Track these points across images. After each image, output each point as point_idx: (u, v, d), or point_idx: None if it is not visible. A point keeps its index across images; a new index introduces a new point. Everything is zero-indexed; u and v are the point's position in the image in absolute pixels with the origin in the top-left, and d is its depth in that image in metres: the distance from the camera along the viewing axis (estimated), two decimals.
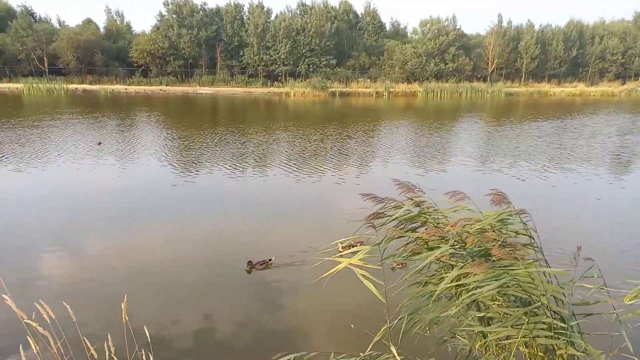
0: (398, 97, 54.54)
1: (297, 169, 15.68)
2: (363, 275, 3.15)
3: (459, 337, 3.55)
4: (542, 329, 2.99)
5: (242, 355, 5.71)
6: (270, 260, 8.06)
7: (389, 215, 3.50)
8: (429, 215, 3.49)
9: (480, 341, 3.41)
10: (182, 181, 13.88)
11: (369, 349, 3.29)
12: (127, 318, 3.46)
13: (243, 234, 9.73)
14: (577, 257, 3.16)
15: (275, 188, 13.36)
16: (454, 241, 3.31)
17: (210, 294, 7.20)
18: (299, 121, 29.68)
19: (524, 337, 3.08)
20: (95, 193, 12.50)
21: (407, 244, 3.41)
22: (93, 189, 12.96)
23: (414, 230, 3.53)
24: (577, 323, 3.20)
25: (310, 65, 61.49)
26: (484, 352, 3.42)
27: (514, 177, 14.77)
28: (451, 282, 3.09)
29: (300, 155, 17.93)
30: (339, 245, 8.29)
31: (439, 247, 3.20)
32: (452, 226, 3.22)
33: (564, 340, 2.95)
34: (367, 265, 3.18)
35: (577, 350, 3.00)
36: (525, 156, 18.23)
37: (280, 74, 62.65)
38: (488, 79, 65.49)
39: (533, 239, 3.44)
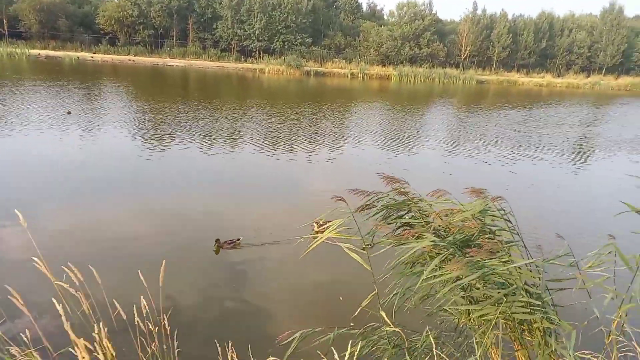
0: (373, 79, 54.68)
1: (272, 147, 15.65)
2: (348, 248, 3.30)
3: (448, 310, 3.76)
4: (520, 306, 3.24)
5: (232, 334, 5.78)
6: (238, 239, 7.88)
7: (374, 205, 3.64)
8: (414, 204, 3.67)
9: (465, 317, 3.64)
10: (152, 155, 13.60)
11: (356, 313, 3.48)
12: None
13: (213, 211, 9.65)
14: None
15: (250, 166, 13.32)
16: (437, 231, 3.50)
17: (175, 271, 7.11)
18: (274, 99, 29.42)
19: (502, 313, 3.32)
20: (60, 165, 12.12)
21: (394, 230, 3.57)
22: (58, 160, 12.54)
23: (399, 217, 3.70)
24: (552, 298, 3.46)
25: (286, 43, 60.57)
26: (468, 326, 3.66)
27: (482, 162, 15.26)
28: (433, 270, 3.29)
29: (275, 134, 17.86)
30: (315, 225, 8.52)
31: (423, 237, 3.36)
32: (436, 215, 3.41)
33: (539, 315, 3.21)
34: (348, 237, 3.34)
35: (552, 323, 3.26)
36: (492, 142, 18.81)
37: (254, 50, 61.46)
38: (460, 65, 66.43)
39: (511, 223, 3.66)
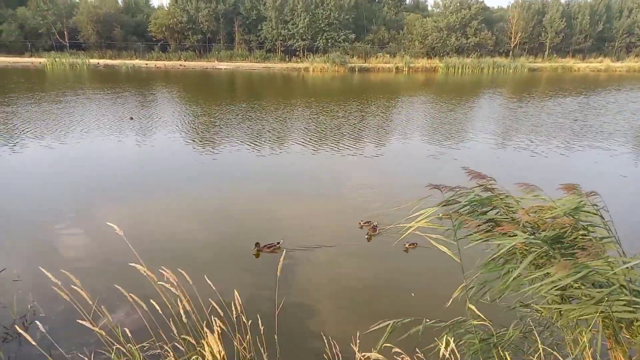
0: (418, 72, 53.81)
1: (320, 146, 15.93)
2: (435, 240, 3.51)
3: (536, 307, 3.81)
4: (622, 305, 3.26)
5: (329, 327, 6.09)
6: (278, 243, 7.88)
7: (457, 201, 3.74)
8: (500, 200, 3.70)
9: (557, 315, 3.69)
10: (205, 157, 14.25)
11: (448, 304, 3.67)
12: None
13: (262, 212, 9.89)
14: None
15: (299, 165, 13.65)
16: (525, 228, 3.54)
17: (223, 270, 7.45)
18: (319, 97, 29.72)
19: (602, 312, 3.35)
20: (119, 167, 13.02)
21: (478, 225, 3.63)
22: (117, 164, 13.45)
23: (484, 214, 3.77)
24: None
25: (329, 40, 60.81)
26: (557, 322, 3.72)
27: (536, 153, 14.80)
28: (526, 268, 3.39)
29: (322, 132, 18.14)
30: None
31: (511, 234, 3.45)
32: (525, 212, 3.45)
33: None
34: (438, 227, 3.53)
35: None
36: (547, 133, 18.14)
37: (298, 49, 62.17)
38: (510, 53, 63.99)
39: (606, 223, 3.66)
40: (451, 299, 3.74)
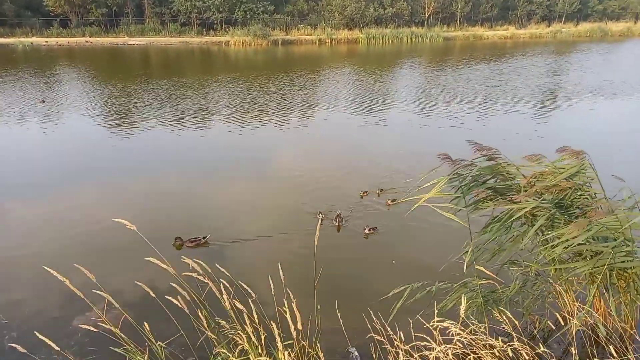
0: (340, 44, 54.00)
1: (248, 123, 15.54)
2: (443, 209, 3.62)
3: (534, 266, 4.10)
4: (623, 256, 3.53)
5: None
6: (204, 237, 7.33)
7: (461, 174, 3.83)
8: (503, 168, 3.84)
9: (556, 273, 3.96)
10: (123, 140, 13.35)
11: (464, 269, 3.85)
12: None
13: (195, 199, 9.38)
14: None
15: (226, 145, 13.21)
16: (529, 193, 3.74)
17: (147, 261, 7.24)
18: (245, 72, 28.84)
19: (609, 265, 3.61)
20: (24, 154, 11.92)
21: (477, 194, 3.76)
22: (22, 149, 12.24)
23: (484, 182, 3.90)
24: None
25: (247, 12, 58.72)
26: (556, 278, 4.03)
27: (453, 119, 15.60)
28: (539, 229, 3.59)
29: (249, 108, 17.69)
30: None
31: (516, 201, 3.63)
32: (528, 180, 3.61)
33: (638, 260, 3.54)
34: (448, 195, 3.65)
35: None
36: (467, 98, 19.15)
37: (215, 22, 59.46)
38: (425, 23, 66.16)
39: (599, 181, 3.97)
40: (466, 262, 3.97)
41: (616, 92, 20.66)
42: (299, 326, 3.29)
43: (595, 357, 3.61)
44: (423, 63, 34.24)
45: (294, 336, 3.33)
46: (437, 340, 3.39)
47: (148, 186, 9.93)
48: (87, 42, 50.46)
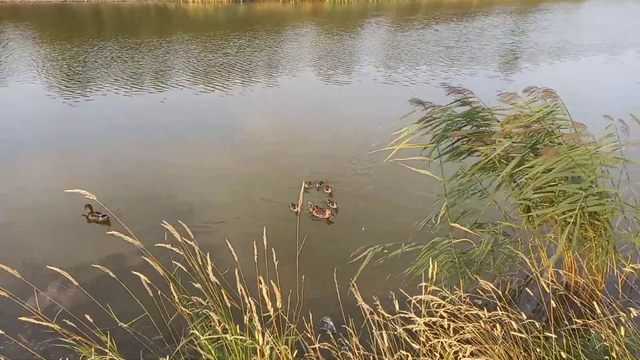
0: (305, 1, 52.23)
1: (208, 85, 14.90)
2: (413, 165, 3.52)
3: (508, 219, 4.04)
4: (595, 199, 3.48)
5: None
6: (104, 216, 6.93)
7: (435, 119, 3.67)
8: (477, 113, 3.68)
9: (527, 221, 3.92)
10: (76, 105, 12.57)
11: (437, 228, 3.75)
12: None
13: (149, 166, 9.04)
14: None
15: (186, 109, 12.65)
16: (505, 133, 3.62)
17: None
18: (205, 31, 27.48)
19: (579, 209, 3.55)
20: None
21: (453, 143, 3.62)
22: None
23: (459, 128, 3.73)
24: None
25: None
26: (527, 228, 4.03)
27: (413, 78, 15.50)
28: (516, 166, 3.48)
29: (209, 70, 16.93)
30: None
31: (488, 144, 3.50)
32: (503, 123, 3.46)
33: (610, 204, 3.49)
34: (421, 145, 3.55)
35: (622, 211, 3.61)
36: (433, 60, 19.00)
37: None
38: None
39: (571, 119, 3.96)
40: (439, 219, 3.88)
41: (575, 51, 20.97)
42: (278, 304, 3.14)
43: (565, 315, 3.65)
44: (386, 23, 33.64)
45: (272, 310, 3.18)
46: (412, 309, 3.33)
47: (106, 155, 9.40)
48: None
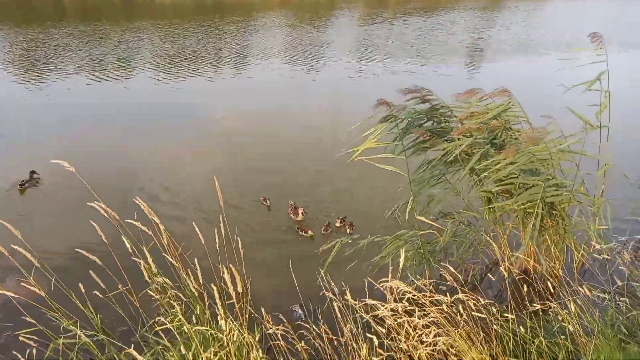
0: None
1: (172, 74, 14.57)
2: (380, 162, 3.56)
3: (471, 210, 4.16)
4: (553, 190, 3.61)
5: None
6: (36, 174, 7.42)
7: (394, 115, 3.72)
8: (436, 111, 3.77)
9: (488, 213, 4.05)
10: (32, 93, 12.03)
11: (406, 218, 3.82)
12: None
13: (114, 156, 8.81)
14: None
15: (150, 99, 12.31)
16: (464, 129, 3.73)
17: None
18: (170, 18, 26.76)
19: (540, 200, 3.68)
20: None
21: (416, 138, 3.72)
22: None
23: (420, 125, 3.81)
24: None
25: None
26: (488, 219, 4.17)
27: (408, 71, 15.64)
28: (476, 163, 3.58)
29: (174, 58, 16.54)
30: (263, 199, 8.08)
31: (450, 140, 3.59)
32: (462, 119, 3.54)
33: (567, 194, 3.64)
34: (385, 144, 3.62)
35: (578, 201, 3.78)
36: (399, 53, 19.20)
37: None
38: None
39: (527, 118, 4.15)
40: (406, 212, 3.99)
41: (536, 47, 21.65)
42: (239, 288, 3.11)
43: (525, 299, 3.79)
44: (356, 15, 33.74)
45: (234, 296, 3.15)
46: (379, 296, 3.39)
47: (67, 145, 9.03)
48: None
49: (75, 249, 3.42)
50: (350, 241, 4.26)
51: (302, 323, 3.86)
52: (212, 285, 3.15)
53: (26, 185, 7.21)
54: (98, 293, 3.36)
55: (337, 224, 6.54)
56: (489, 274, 4.02)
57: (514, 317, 3.26)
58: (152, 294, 3.43)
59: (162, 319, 3.30)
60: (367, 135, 3.78)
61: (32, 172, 7.37)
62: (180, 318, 3.19)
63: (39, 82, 12.90)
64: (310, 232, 6.29)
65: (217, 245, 3.38)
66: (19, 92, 12.05)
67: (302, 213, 6.65)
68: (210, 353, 3.08)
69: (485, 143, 3.71)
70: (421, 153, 4.27)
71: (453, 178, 4.33)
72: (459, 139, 3.64)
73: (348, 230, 6.37)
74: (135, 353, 2.77)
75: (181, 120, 10.52)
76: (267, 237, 6.23)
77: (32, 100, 11.54)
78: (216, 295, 3.03)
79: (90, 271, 3.33)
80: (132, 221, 3.34)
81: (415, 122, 3.94)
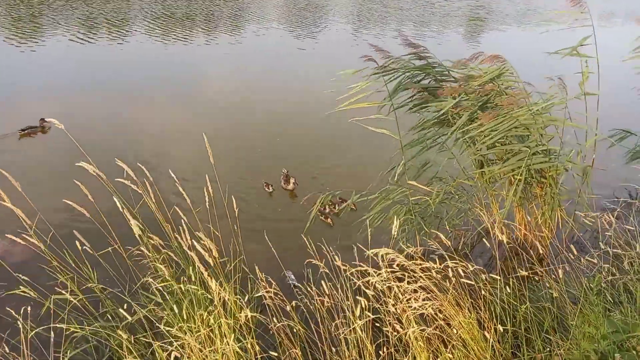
0: None
1: (168, 35, 14.20)
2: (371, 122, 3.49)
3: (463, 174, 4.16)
4: (540, 156, 3.58)
5: None
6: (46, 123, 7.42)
7: (392, 68, 3.61)
8: (432, 68, 3.70)
9: (479, 177, 4.04)
10: (24, 53, 11.70)
11: (395, 178, 3.77)
12: None
13: (110, 121, 8.63)
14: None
15: (147, 60, 12.03)
16: (458, 90, 3.65)
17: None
18: None
19: (524, 166, 3.66)
20: None
21: (411, 96, 3.68)
22: None
23: (417, 82, 3.74)
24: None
25: None
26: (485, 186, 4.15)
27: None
28: (462, 127, 3.52)
29: (169, 17, 16.09)
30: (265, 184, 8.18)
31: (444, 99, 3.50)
32: (459, 80, 3.47)
33: (554, 162, 3.62)
34: (375, 104, 3.53)
35: (565, 169, 3.79)
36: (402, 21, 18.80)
37: None
38: None
39: (520, 81, 4.10)
40: (396, 173, 3.90)
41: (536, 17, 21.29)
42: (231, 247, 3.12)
43: (515, 267, 3.83)
44: None
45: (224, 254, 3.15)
46: (370, 262, 3.40)
47: (57, 109, 8.82)
48: None
49: (63, 199, 3.40)
50: (332, 197, 4.22)
51: (297, 287, 3.90)
52: (202, 243, 3.15)
53: (27, 131, 7.18)
54: (88, 249, 3.35)
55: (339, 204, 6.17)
56: (480, 242, 4.05)
57: (502, 285, 3.30)
58: (144, 250, 3.43)
59: (149, 279, 3.31)
60: (355, 89, 3.66)
61: (42, 119, 7.27)
62: (167, 278, 3.21)
63: (29, 43, 12.50)
64: (329, 220, 5.99)
65: (207, 203, 3.37)
66: (5, 51, 11.67)
67: (293, 182, 6.61)
68: (203, 310, 3.12)
69: (473, 105, 3.67)
70: (415, 112, 4.21)
71: (448, 143, 4.30)
72: (453, 98, 3.59)
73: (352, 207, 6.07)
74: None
75: (171, 85, 10.30)
76: (261, 204, 6.23)
77: (22, 58, 11.20)
78: (201, 250, 3.02)
79: (74, 231, 3.31)
80: (121, 180, 3.32)
81: (411, 77, 3.86)
